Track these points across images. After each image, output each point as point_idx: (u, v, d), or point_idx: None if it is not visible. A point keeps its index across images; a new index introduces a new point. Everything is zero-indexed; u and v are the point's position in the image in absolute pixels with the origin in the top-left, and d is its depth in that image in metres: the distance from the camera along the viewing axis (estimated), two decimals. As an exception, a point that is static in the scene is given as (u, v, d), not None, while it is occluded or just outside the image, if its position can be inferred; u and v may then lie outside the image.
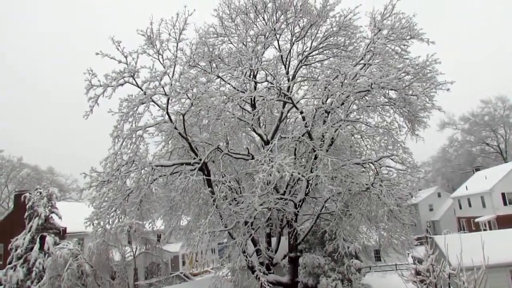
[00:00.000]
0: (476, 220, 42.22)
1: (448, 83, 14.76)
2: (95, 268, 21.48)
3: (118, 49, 12.89)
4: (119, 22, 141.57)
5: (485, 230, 38.04)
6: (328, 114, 15.48)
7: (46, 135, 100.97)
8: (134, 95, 13.34)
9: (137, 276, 29.06)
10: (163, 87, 13.52)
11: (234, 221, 15.09)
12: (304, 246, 19.70)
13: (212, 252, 40.62)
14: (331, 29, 18.15)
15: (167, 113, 14.15)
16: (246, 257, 14.90)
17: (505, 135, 69.85)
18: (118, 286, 22.14)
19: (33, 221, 26.53)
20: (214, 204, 13.61)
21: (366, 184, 15.19)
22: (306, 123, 15.25)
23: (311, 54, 19.12)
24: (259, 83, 18.28)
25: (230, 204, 15.39)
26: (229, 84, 17.37)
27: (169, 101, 13.90)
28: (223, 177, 14.24)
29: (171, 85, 13.49)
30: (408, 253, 20.30)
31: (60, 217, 28.38)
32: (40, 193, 27.94)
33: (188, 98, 14.27)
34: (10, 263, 25.37)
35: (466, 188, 48.49)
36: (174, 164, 15.37)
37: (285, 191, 17.58)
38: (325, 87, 14.49)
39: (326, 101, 15.24)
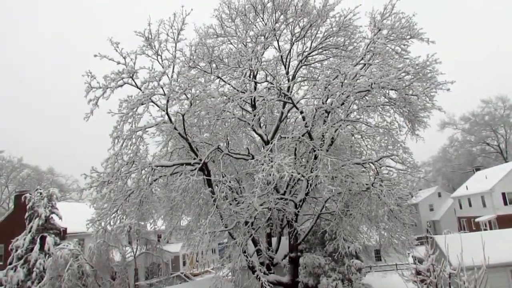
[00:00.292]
0: (477, 220, 42.20)
1: (448, 83, 14.76)
2: (96, 269, 21.50)
3: (116, 50, 12.92)
4: (119, 22, 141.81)
5: (485, 230, 38.01)
6: (328, 114, 15.48)
7: (46, 135, 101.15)
8: (134, 95, 13.36)
9: (137, 277, 29.09)
10: (162, 87, 13.54)
11: (234, 221, 15.09)
12: (304, 246, 19.70)
13: (213, 252, 40.62)
14: (331, 29, 18.15)
15: (167, 113, 14.15)
16: (247, 257, 14.90)
17: (506, 134, 69.85)
18: (118, 287, 22.15)
19: (34, 221, 26.53)
20: (214, 204, 13.61)
21: (367, 184, 15.18)
22: (306, 123, 15.25)
23: (311, 54, 19.13)
24: (259, 83, 18.28)
25: (231, 204, 15.39)
26: (229, 84, 17.37)
27: (169, 102, 13.91)
28: (223, 177, 14.24)
29: (170, 85, 13.50)
30: (409, 253, 20.30)
31: (60, 218, 28.37)
32: (41, 193, 27.93)
33: (187, 98, 14.28)
34: (10, 263, 25.38)
35: (467, 188, 48.47)
36: (174, 165, 15.38)
37: (285, 191, 17.59)
38: (325, 87, 14.49)
39: (326, 101, 15.23)
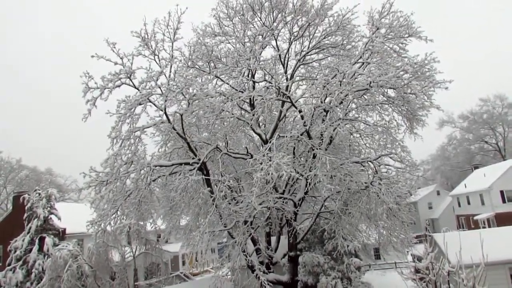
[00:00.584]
0: (475, 218, 42.33)
1: (446, 81, 14.81)
2: (95, 269, 21.48)
3: (113, 51, 12.90)
4: (119, 22, 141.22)
5: (484, 227, 38.14)
6: (326, 113, 15.49)
7: (46, 135, 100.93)
8: (132, 96, 13.35)
9: (137, 277, 29.03)
10: (159, 87, 13.53)
11: (233, 220, 15.10)
12: (303, 245, 19.73)
13: (212, 252, 40.63)
14: (330, 28, 18.14)
15: (165, 113, 14.14)
16: (246, 256, 14.91)
17: (504, 133, 70.03)
18: (118, 287, 22.13)
19: (32, 222, 26.47)
20: (213, 204, 13.61)
21: (365, 183, 15.21)
22: (304, 122, 15.25)
23: (309, 54, 19.12)
24: (257, 82, 18.28)
25: (230, 203, 15.39)
26: (228, 84, 17.37)
27: (166, 101, 13.90)
28: (222, 176, 14.24)
29: (168, 84, 13.49)
30: (408, 251, 20.35)
31: (59, 218, 28.31)
32: (39, 194, 27.88)
33: (185, 97, 14.27)
34: (9, 264, 25.32)
35: (465, 186, 48.59)
36: (173, 164, 15.38)
37: (284, 190, 17.60)
38: (324, 86, 14.50)
39: (324, 100, 15.25)
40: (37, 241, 25.67)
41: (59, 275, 19.97)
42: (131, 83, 13.42)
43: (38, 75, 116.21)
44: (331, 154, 15.17)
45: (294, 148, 16.95)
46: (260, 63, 17.00)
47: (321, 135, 15.39)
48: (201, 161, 14.85)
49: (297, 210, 17.08)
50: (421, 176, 19.33)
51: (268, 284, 13.63)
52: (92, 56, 12.62)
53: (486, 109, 70.90)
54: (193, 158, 15.34)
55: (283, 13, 18.30)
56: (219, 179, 14.12)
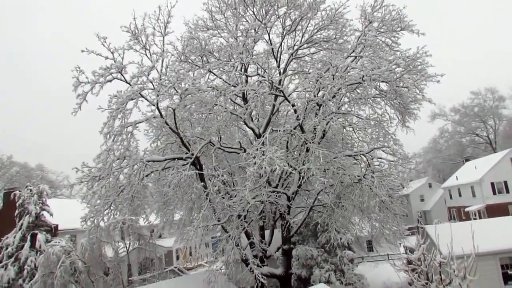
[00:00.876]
0: (466, 209, 42.91)
1: (438, 75, 14.87)
2: (88, 265, 21.35)
3: (104, 45, 12.76)
4: (119, 22, 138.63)
5: (475, 219, 38.69)
6: (319, 107, 15.51)
7: (46, 135, 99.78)
8: (123, 90, 13.23)
9: (130, 272, 28.97)
10: (151, 82, 13.41)
11: (227, 214, 15.11)
12: (297, 238, 19.84)
13: (206, 246, 40.68)
14: (322, 22, 18.09)
15: (157, 108, 14.03)
16: (240, 250, 14.97)
17: (495, 125, 70.87)
18: (111, 282, 22.05)
19: (24, 218, 26.18)
20: (207, 198, 13.61)
21: (358, 176, 15.30)
22: (297, 116, 15.26)
23: (301, 48, 19.06)
24: (250, 76, 18.20)
25: (223, 198, 15.39)
26: (220, 78, 17.26)
27: (159, 96, 13.79)
28: (215, 171, 14.21)
29: (160, 79, 13.38)
30: (400, 243, 20.58)
31: (51, 214, 28.03)
32: (31, 190, 27.55)
33: (177, 92, 14.17)
34: (0, 261, 25.07)
35: (457, 178, 49.17)
36: (166, 159, 15.30)
37: (277, 184, 17.64)
38: (317, 80, 14.50)
39: (317, 94, 15.25)
40: (29, 237, 25.42)
41: (52, 271, 19.81)
42: (122, 78, 13.30)
43: (38, 75, 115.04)
44: (324, 147, 15.22)
45: (287, 142, 16.97)
46: (253, 57, 16.92)
47: (314, 129, 15.42)
48: (194, 156, 14.80)
49: (291, 204, 17.15)
50: (413, 168, 19.47)
51: (262, 277, 13.71)
52: (83, 51, 12.49)
53: (477, 102, 71.65)
54: (186, 153, 15.27)
55: (276, 7, 18.17)
56: (212, 173, 14.10)
